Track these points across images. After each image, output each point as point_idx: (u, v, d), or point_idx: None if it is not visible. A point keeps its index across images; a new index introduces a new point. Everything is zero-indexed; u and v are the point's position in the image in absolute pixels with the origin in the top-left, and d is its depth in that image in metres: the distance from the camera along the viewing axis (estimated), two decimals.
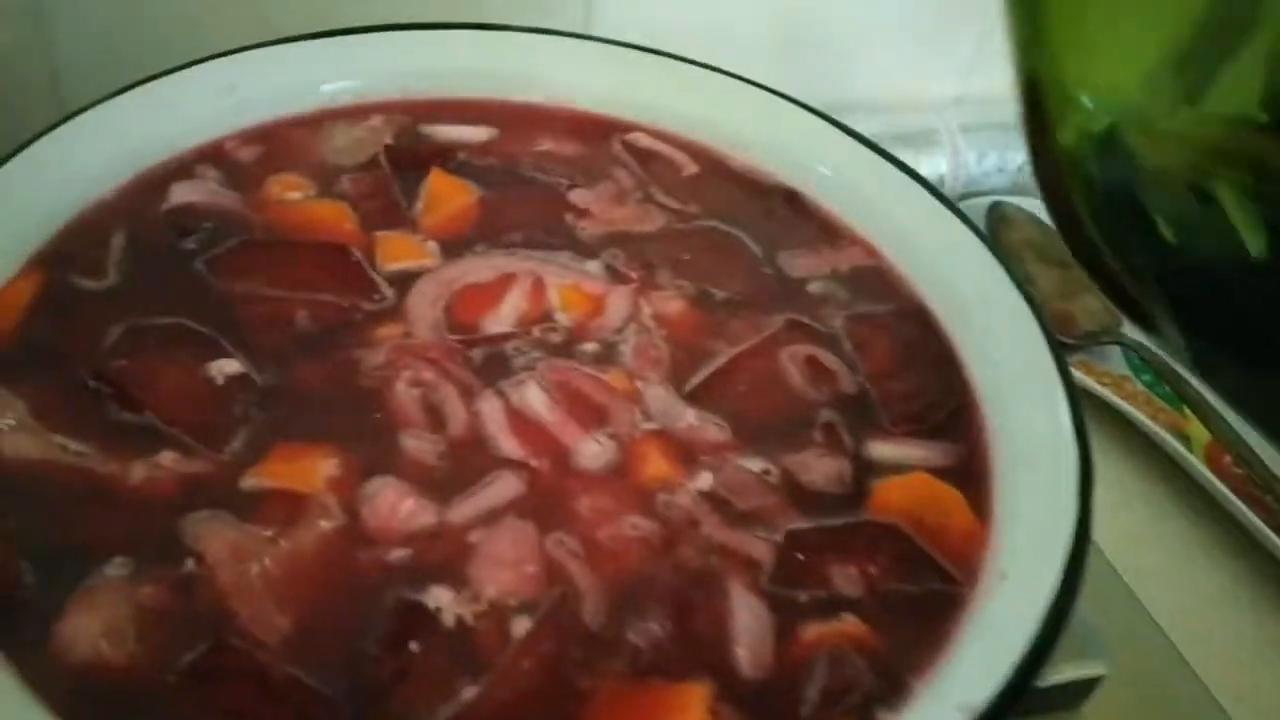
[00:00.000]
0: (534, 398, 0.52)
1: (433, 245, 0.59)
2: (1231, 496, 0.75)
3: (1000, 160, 0.95)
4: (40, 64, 0.73)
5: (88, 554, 0.44)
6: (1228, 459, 0.78)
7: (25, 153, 0.56)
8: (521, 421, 0.51)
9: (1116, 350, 0.86)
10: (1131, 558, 0.71)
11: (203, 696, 0.41)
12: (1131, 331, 0.86)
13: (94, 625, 0.42)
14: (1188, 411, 0.81)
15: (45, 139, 0.58)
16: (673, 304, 0.58)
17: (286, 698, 0.41)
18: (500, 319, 0.56)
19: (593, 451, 0.51)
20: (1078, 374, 0.81)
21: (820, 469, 0.51)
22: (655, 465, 0.50)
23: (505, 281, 0.58)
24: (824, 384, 0.55)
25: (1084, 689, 0.58)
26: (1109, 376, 0.84)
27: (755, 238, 0.62)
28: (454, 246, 0.59)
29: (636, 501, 0.49)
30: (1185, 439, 0.80)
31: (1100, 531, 0.70)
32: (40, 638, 0.42)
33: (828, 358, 0.56)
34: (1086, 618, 0.59)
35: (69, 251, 0.56)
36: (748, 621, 0.46)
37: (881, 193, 0.63)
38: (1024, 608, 0.44)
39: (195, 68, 0.63)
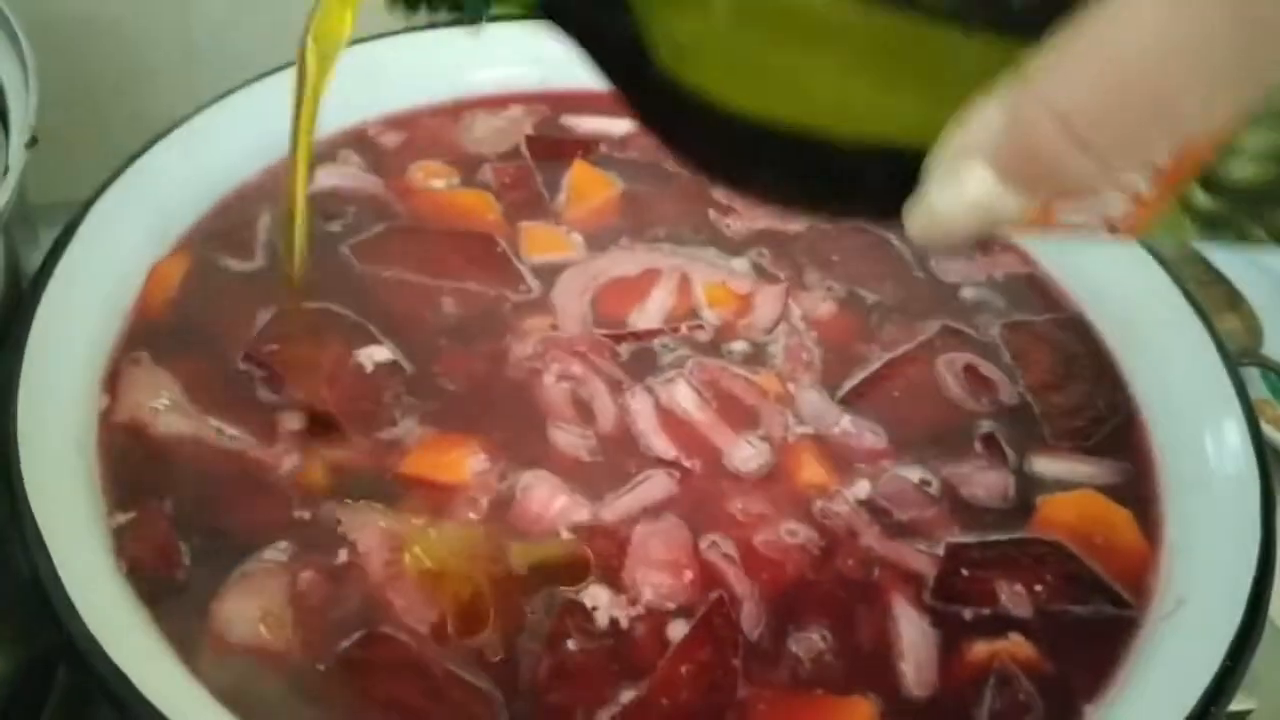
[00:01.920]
0: (684, 396, 0.51)
1: (577, 237, 0.58)
2: None
3: None
4: (179, 46, 0.73)
5: (245, 538, 0.44)
6: None
7: (172, 135, 0.57)
8: (672, 420, 0.50)
9: (1256, 373, 0.83)
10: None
11: (359, 685, 0.41)
12: (1271, 352, 0.83)
13: (252, 609, 0.42)
14: None
15: (191, 122, 0.58)
16: (823, 305, 0.56)
17: (445, 692, 0.40)
18: (647, 315, 0.55)
19: (746, 454, 0.49)
20: None
21: (982, 482, 0.49)
22: (811, 470, 0.49)
23: (651, 277, 0.56)
24: (983, 394, 0.53)
25: None
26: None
27: (905, 241, 0.60)
28: (598, 239, 0.58)
29: (792, 507, 0.48)
30: None
31: None
32: (200, 619, 0.41)
33: (986, 367, 0.54)
34: None
35: (217, 231, 0.56)
36: (912, 637, 0.44)
37: None
38: (1207, 636, 0.42)
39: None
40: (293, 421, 0.48)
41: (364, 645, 0.41)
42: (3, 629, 0.48)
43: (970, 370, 0.54)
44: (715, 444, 0.50)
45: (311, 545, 0.44)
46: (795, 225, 0.60)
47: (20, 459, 0.42)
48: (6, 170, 0.44)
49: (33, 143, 0.44)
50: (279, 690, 0.40)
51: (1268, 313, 0.86)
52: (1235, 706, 0.55)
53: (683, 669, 0.42)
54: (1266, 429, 0.76)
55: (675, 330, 0.54)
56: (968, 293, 0.58)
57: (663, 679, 0.41)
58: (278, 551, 0.44)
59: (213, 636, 0.41)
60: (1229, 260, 0.89)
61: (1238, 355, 0.83)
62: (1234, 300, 0.87)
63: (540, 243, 0.57)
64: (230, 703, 0.39)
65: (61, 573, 0.39)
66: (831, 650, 0.43)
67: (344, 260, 0.55)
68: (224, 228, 0.56)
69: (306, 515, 0.45)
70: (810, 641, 0.43)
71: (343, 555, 0.44)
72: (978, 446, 0.51)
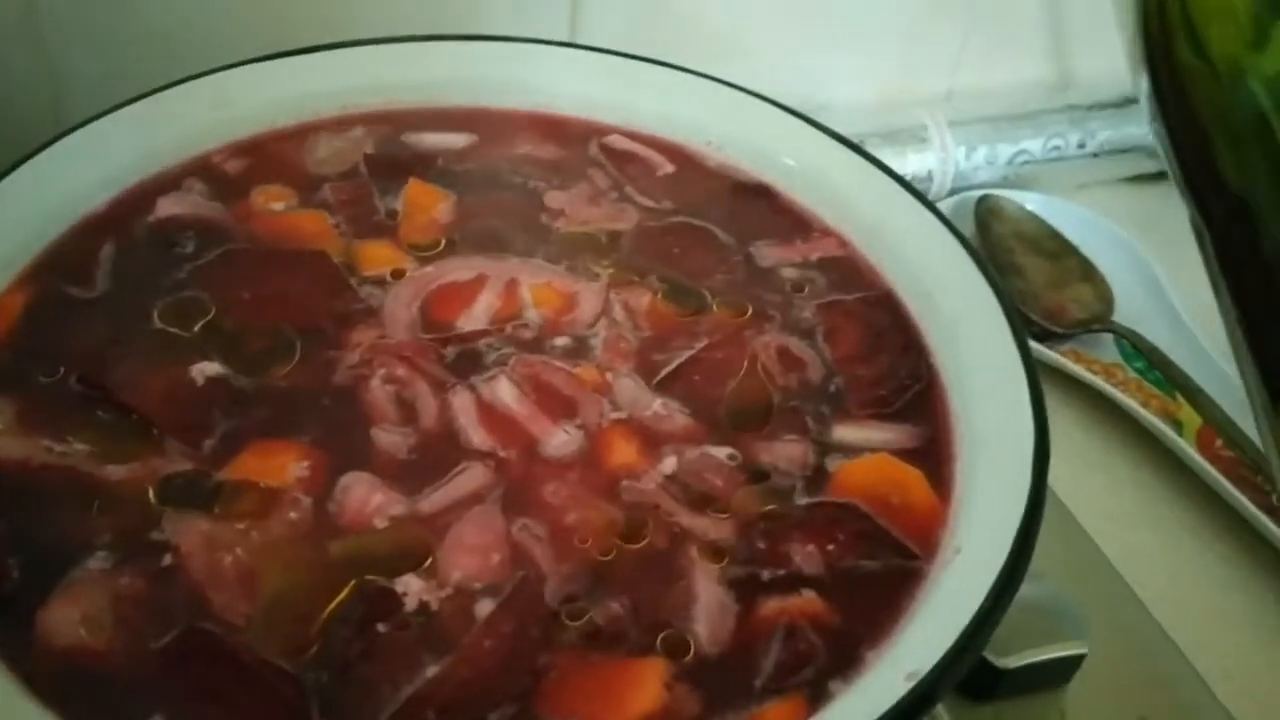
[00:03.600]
0: (504, 391, 0.54)
1: (411, 251, 0.61)
2: (1222, 480, 0.75)
3: (990, 154, 0.96)
4: (40, 81, 0.76)
5: (71, 549, 0.46)
6: (1218, 443, 0.78)
7: (17, 172, 0.59)
8: (491, 414, 0.53)
9: (1108, 339, 0.87)
10: (1120, 541, 0.71)
11: (178, 678, 0.43)
12: (1122, 319, 0.87)
13: (74, 614, 0.44)
14: (1179, 397, 0.81)
15: (37, 158, 0.60)
16: (644, 298, 0.59)
17: (256, 677, 0.43)
18: (473, 318, 0.57)
19: (560, 441, 0.52)
20: (1067, 362, 0.82)
21: (784, 453, 0.52)
22: (621, 452, 0.52)
23: (479, 282, 0.59)
24: (792, 372, 0.56)
25: (1067, 668, 0.58)
26: (1100, 365, 0.84)
27: (728, 231, 0.64)
28: (431, 251, 0.61)
29: (602, 488, 0.50)
30: (1176, 424, 0.80)
31: (1089, 515, 0.72)
32: (25, 626, 0.44)
33: (798, 346, 0.57)
34: (1070, 598, 0.60)
35: (60, 264, 0.58)
36: (707, 601, 0.47)
37: (851, 185, 0.64)
38: (974, 581, 0.45)
39: (188, 84, 0.65)
40: (125, 437, 0.50)
41: (182, 640, 0.44)
42: None
43: (782, 351, 0.57)
44: (532, 433, 0.52)
45: (136, 552, 0.46)
46: (622, 224, 0.64)
47: None
48: None
49: None
50: (100, 689, 0.43)
51: (1118, 282, 0.90)
52: (1066, 652, 0.59)
53: (486, 642, 0.45)
54: (1114, 391, 0.80)
55: (501, 330, 0.57)
56: (786, 273, 0.62)
57: (466, 652, 0.44)
58: (102, 560, 0.46)
59: (38, 643, 0.43)
60: (1085, 233, 0.93)
61: (1089, 322, 0.87)
62: (1086, 270, 0.91)
63: (375, 258, 0.60)
64: (56, 704, 0.42)
65: None
66: (629, 617, 0.46)
67: (183, 284, 0.58)
68: (67, 261, 0.58)
69: (133, 524, 0.47)
70: (610, 609, 0.46)
71: (166, 559, 0.46)
72: (783, 421, 0.54)
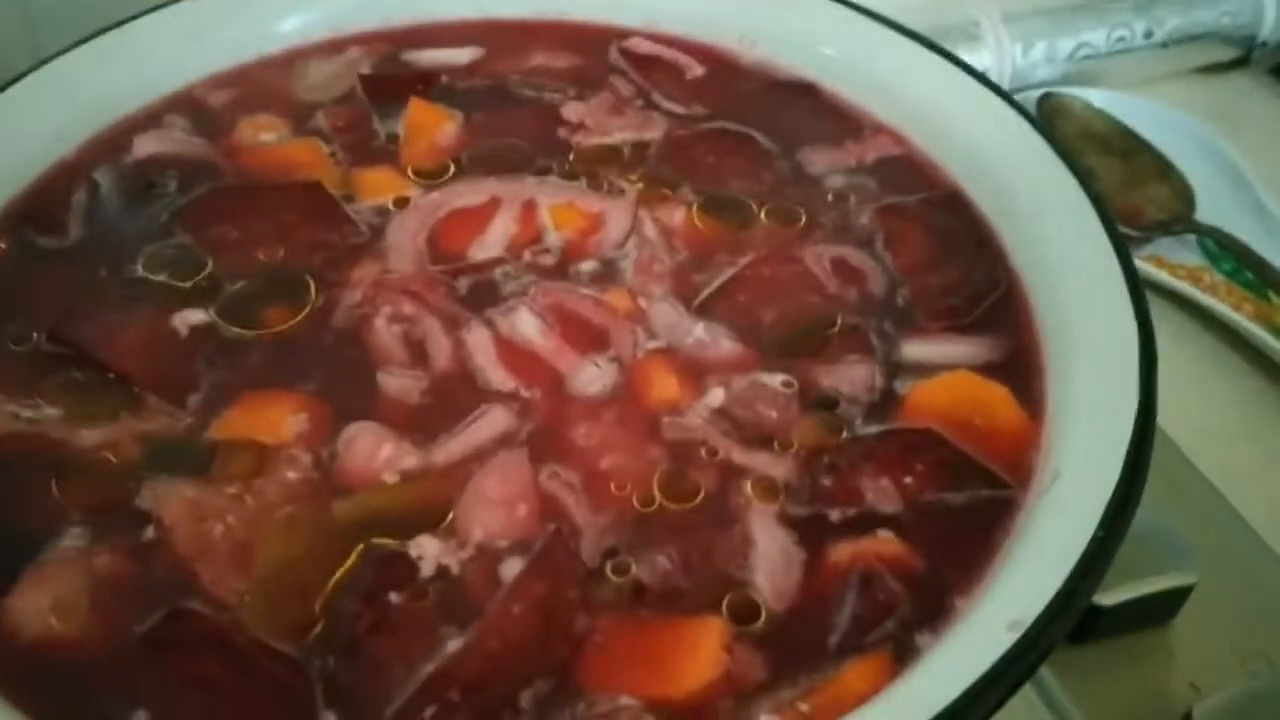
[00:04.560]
0: (525, 324, 0.48)
1: (415, 177, 0.54)
2: None
3: (1049, 49, 0.88)
4: (13, 21, 0.70)
5: (42, 527, 0.41)
6: None
7: None
8: (512, 351, 0.47)
9: (1191, 240, 0.79)
10: (1218, 459, 0.63)
11: (162, 668, 0.38)
12: (1205, 218, 0.79)
13: (43, 600, 0.39)
14: (1275, 297, 0.74)
15: (6, 93, 0.54)
16: (678, 213, 0.52)
17: (253, 664, 0.37)
18: (487, 245, 0.51)
19: (589, 375, 0.46)
20: (1149, 268, 0.74)
21: (847, 376, 0.46)
22: (662, 385, 0.45)
23: (492, 206, 0.53)
24: (851, 285, 0.50)
25: (1174, 600, 0.52)
26: (1184, 269, 0.77)
27: (770, 136, 0.57)
28: (438, 176, 0.55)
29: (641, 426, 0.44)
30: (1274, 328, 0.72)
31: (1183, 434, 0.64)
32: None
33: (856, 256, 0.51)
34: (1171, 525, 0.53)
35: (29, 212, 0.52)
36: (767, 548, 0.40)
37: (904, 75, 0.57)
38: (1079, 509, 0.38)
39: (158, 13, 0.59)
40: (101, 397, 0.45)
41: (165, 624, 0.38)
42: None
43: (838, 263, 0.50)
44: (559, 369, 0.46)
45: (113, 526, 0.41)
46: (649, 133, 0.57)
47: None
48: None
49: None
50: (74, 683, 0.37)
51: (1198, 178, 0.82)
52: (1174, 583, 0.52)
53: (515, 608, 0.39)
54: (1202, 296, 0.72)
55: (518, 258, 0.51)
56: (836, 181, 0.55)
57: (493, 621, 0.38)
58: (75, 538, 0.40)
59: (4, 637, 0.38)
60: (1157, 129, 0.85)
61: (1169, 223, 0.79)
62: (1162, 168, 0.83)
63: (375, 186, 0.54)
64: (24, 703, 0.36)
65: None
66: (680, 571, 0.40)
67: (164, 227, 0.52)
68: (37, 207, 0.53)
69: (111, 495, 0.42)
70: (657, 564, 0.40)
71: (149, 533, 0.41)
72: (843, 340, 0.47)
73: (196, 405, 0.45)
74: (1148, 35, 0.91)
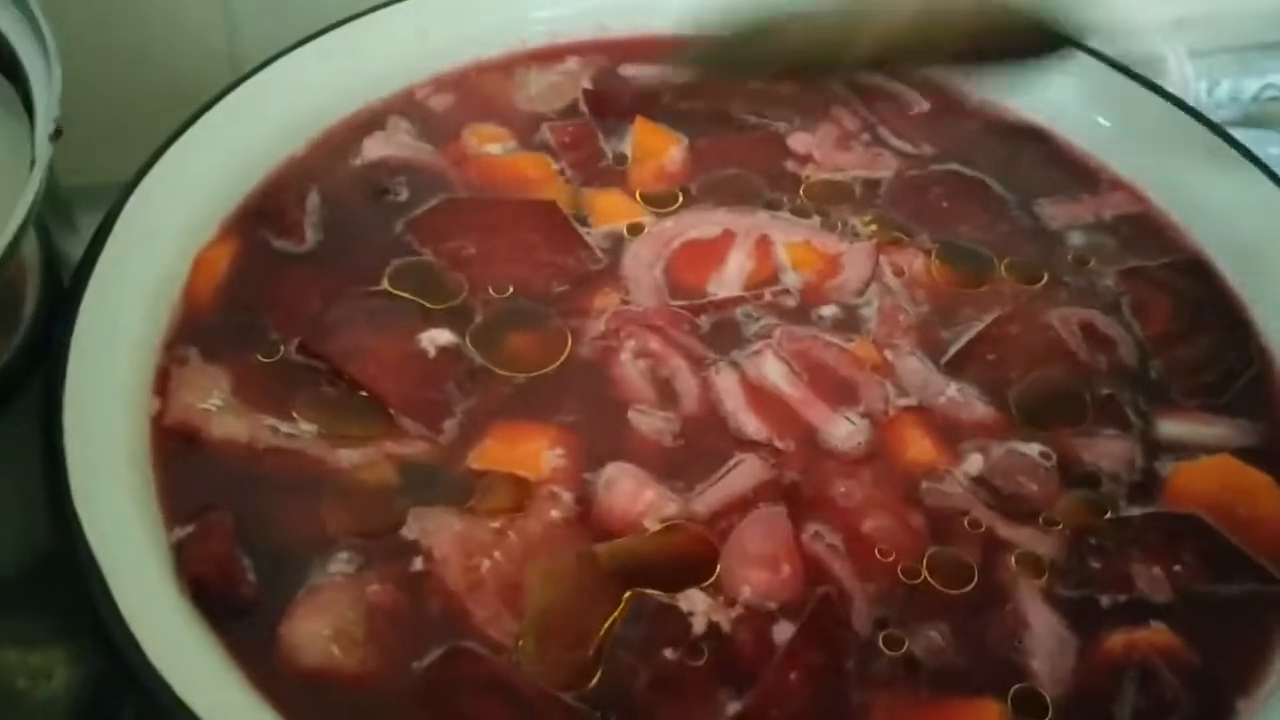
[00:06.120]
0: (773, 370, 0.47)
1: (644, 202, 0.54)
2: None
3: (1234, 88, 0.85)
4: (215, 30, 0.69)
5: (310, 549, 0.41)
6: None
7: (208, 115, 0.53)
8: (761, 396, 0.46)
9: None
10: None
11: (444, 707, 0.37)
12: None
13: (323, 627, 0.39)
14: None
15: (227, 99, 0.53)
16: (918, 261, 0.52)
17: (537, 712, 0.37)
18: (726, 281, 0.51)
19: (844, 432, 0.45)
20: None
21: (1107, 451, 0.45)
22: (917, 447, 0.45)
23: (726, 239, 0.52)
24: (1100, 353, 0.49)
25: None
26: None
27: (1003, 184, 0.55)
28: (666, 202, 0.54)
29: (899, 489, 0.44)
30: None
31: None
32: (268, 639, 0.38)
33: (1104, 321, 0.50)
34: None
35: (264, 211, 0.52)
36: (1041, 629, 0.40)
37: (1142, 126, 0.56)
38: None
39: (382, 11, 0.59)
40: (351, 414, 0.45)
41: (446, 663, 0.38)
42: (73, 644, 0.46)
43: (1087, 327, 0.49)
44: (810, 421, 0.46)
45: (381, 554, 0.41)
46: (880, 172, 0.56)
47: (70, 479, 0.39)
48: (34, 164, 0.40)
49: (57, 135, 0.40)
50: (355, 713, 0.37)
51: None
52: None
53: (791, 675, 0.38)
54: None
55: (758, 297, 0.50)
56: (1076, 238, 0.54)
57: (770, 687, 0.38)
58: (344, 563, 0.40)
59: (282, 661, 0.38)
60: None
61: None
62: None
63: (608, 210, 0.53)
64: None
65: (120, 603, 0.36)
66: (953, 647, 0.39)
67: (399, 237, 0.51)
68: (271, 210, 0.52)
69: (374, 519, 0.42)
70: (929, 639, 0.40)
71: (418, 564, 0.41)
72: (1099, 412, 0.46)
73: (452, 432, 0.44)
74: None
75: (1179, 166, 0.54)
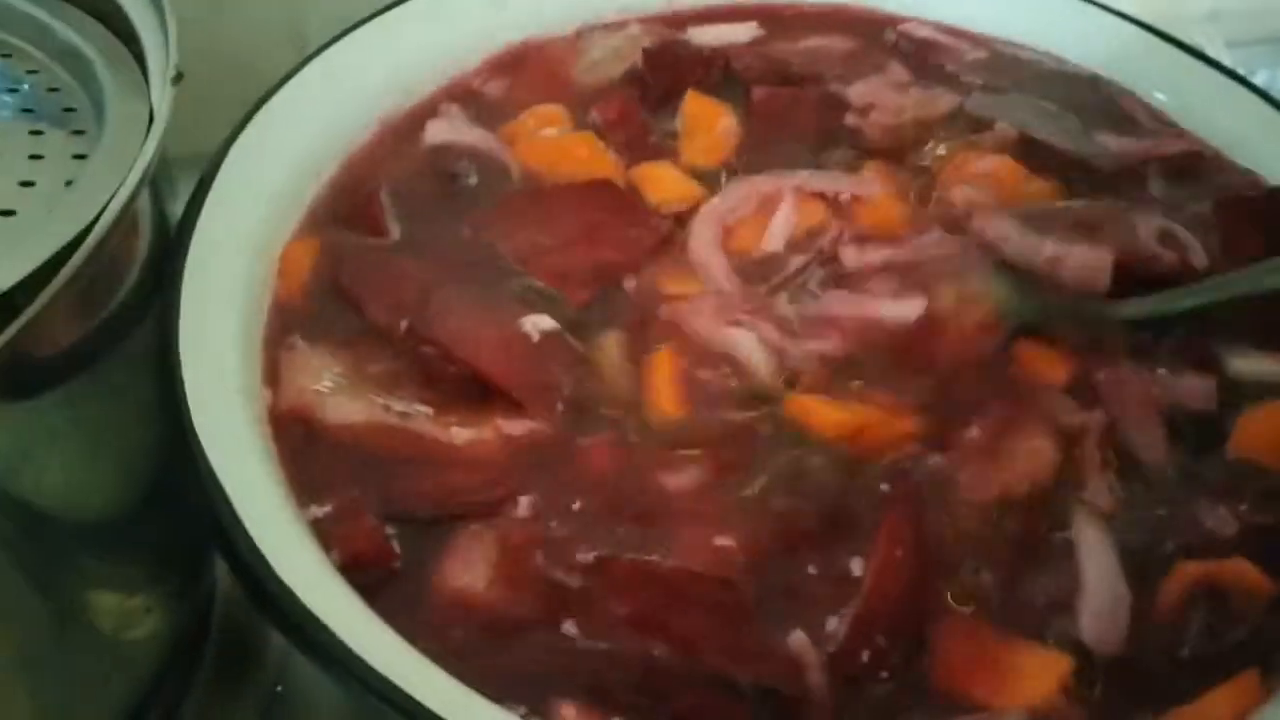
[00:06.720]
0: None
1: (696, 176, 0.55)
2: None
3: (1270, 80, 0.84)
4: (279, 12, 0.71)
5: (442, 521, 0.43)
6: None
7: (270, 102, 0.53)
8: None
9: None
10: None
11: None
12: None
13: (477, 570, 0.42)
14: None
15: (289, 84, 0.54)
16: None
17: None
18: (773, 235, 0.53)
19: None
20: None
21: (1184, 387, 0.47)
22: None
23: (771, 204, 0.53)
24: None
25: None
26: None
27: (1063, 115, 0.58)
28: (718, 175, 0.55)
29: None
30: None
31: None
32: (420, 598, 0.41)
33: (1183, 232, 0.52)
34: None
35: (341, 207, 0.53)
36: (1097, 581, 0.42)
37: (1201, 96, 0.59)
38: None
39: None
40: (463, 395, 0.46)
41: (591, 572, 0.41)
42: (165, 589, 0.48)
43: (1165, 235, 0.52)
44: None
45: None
46: (941, 105, 0.58)
47: (209, 457, 0.40)
48: (151, 118, 0.42)
49: (178, 78, 0.41)
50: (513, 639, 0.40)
51: None
52: None
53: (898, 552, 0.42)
54: None
55: (822, 255, 0.52)
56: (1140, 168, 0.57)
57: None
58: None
59: (437, 612, 0.41)
60: None
61: None
62: None
63: (658, 184, 0.55)
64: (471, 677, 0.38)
65: (283, 576, 0.38)
66: (1010, 587, 0.42)
67: (475, 227, 0.53)
68: (348, 204, 0.53)
69: (496, 497, 0.44)
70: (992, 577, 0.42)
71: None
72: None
73: (563, 416, 0.46)
74: None
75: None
